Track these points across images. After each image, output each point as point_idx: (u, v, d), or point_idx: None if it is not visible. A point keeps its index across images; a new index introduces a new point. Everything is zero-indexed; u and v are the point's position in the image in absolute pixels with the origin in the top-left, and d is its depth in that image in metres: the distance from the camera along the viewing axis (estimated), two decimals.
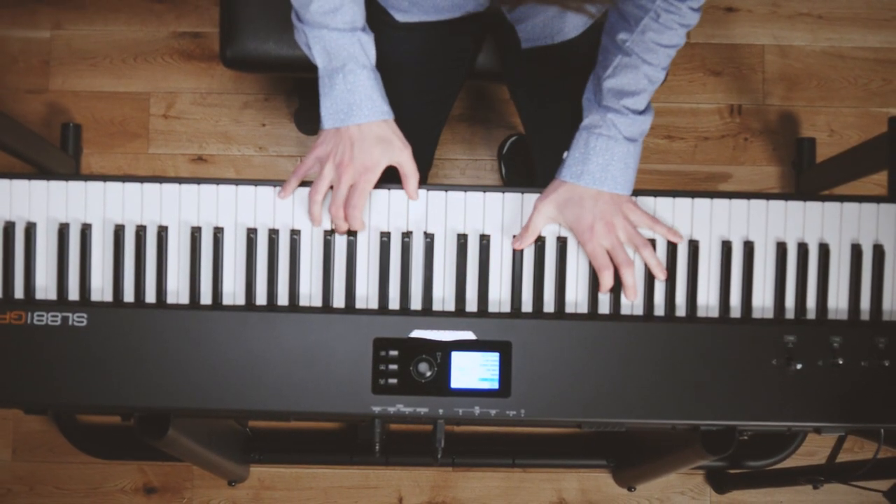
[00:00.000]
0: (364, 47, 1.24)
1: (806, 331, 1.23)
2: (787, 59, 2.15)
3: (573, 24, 1.39)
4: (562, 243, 1.24)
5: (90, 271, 1.24)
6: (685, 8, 1.21)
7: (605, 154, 1.24)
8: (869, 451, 1.38)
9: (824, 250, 1.26)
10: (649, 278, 1.25)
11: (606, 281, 1.24)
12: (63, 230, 1.24)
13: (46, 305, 1.22)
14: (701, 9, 1.23)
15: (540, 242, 1.25)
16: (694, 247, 1.25)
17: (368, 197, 1.24)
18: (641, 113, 1.25)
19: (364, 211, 1.24)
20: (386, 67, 1.29)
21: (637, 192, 1.26)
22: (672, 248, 1.25)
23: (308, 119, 2.10)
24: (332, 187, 1.24)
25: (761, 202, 1.26)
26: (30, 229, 1.24)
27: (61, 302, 1.23)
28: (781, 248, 1.26)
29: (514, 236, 1.25)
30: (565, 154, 1.27)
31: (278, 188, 1.25)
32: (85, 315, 1.22)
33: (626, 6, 1.25)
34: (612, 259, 1.24)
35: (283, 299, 1.24)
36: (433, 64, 1.44)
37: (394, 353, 1.22)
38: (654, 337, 1.23)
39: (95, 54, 2.10)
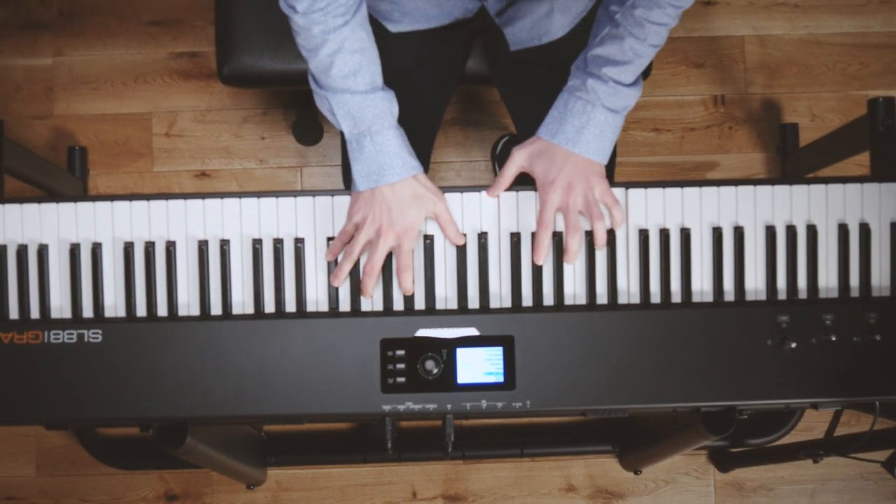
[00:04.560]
0: (389, 105, 1.24)
1: (798, 310, 1.24)
2: (766, 49, 2.16)
3: (559, 24, 1.40)
4: (558, 238, 1.26)
5: (102, 288, 1.25)
6: None
7: (580, 117, 1.25)
8: (865, 424, 1.39)
9: (812, 231, 1.27)
10: (645, 268, 1.25)
11: (542, 240, 1.24)
12: (74, 250, 1.25)
13: (62, 324, 1.23)
14: None
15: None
16: (686, 235, 1.26)
17: (413, 257, 1.25)
18: (627, 86, 1.25)
19: (414, 272, 1.25)
20: None
21: (628, 185, 1.27)
22: (665, 237, 1.26)
23: (306, 130, 2.10)
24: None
25: (749, 188, 1.27)
26: (42, 251, 1.25)
27: (76, 320, 1.24)
28: (771, 232, 1.27)
29: (489, 187, 1.27)
30: None
31: (281, 198, 1.26)
32: (100, 331, 1.23)
33: None
34: (564, 220, 1.25)
35: (290, 306, 1.25)
36: (425, 71, 1.46)
37: (400, 352, 1.23)
38: (651, 324, 1.23)
39: (97, 78, 2.11)
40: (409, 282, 1.24)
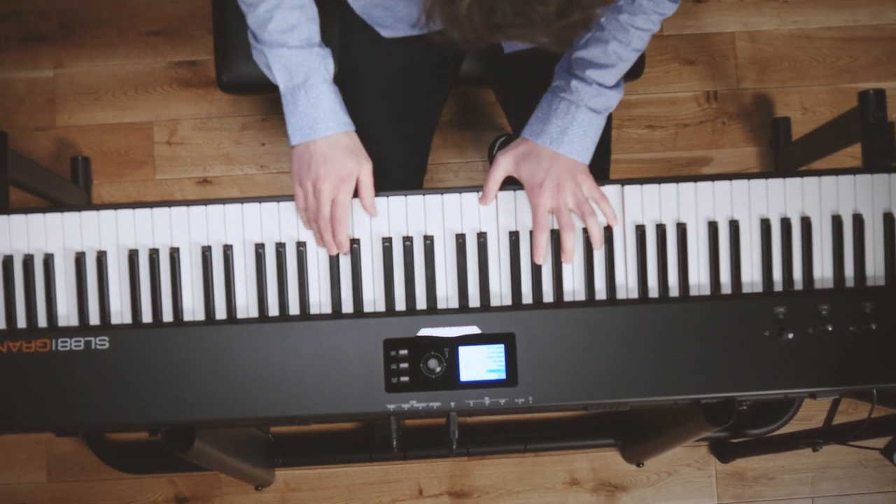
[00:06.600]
0: (324, 61, 1.25)
1: (795, 301, 1.25)
2: (757, 44, 2.17)
3: None
4: (556, 236, 1.26)
5: (108, 296, 1.26)
6: None
7: (564, 117, 1.26)
8: (863, 412, 1.40)
9: (806, 223, 1.27)
10: (642, 263, 1.26)
11: (540, 241, 1.25)
12: (80, 259, 1.26)
13: (69, 332, 1.24)
14: (678, 0, 1.25)
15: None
16: (682, 230, 1.27)
17: (350, 209, 1.25)
18: (610, 88, 1.27)
19: (348, 225, 1.25)
20: (376, 82, 1.31)
21: (623, 182, 1.28)
22: (661, 232, 1.27)
23: None
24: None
25: (743, 182, 1.28)
26: (48, 260, 1.26)
27: (83, 327, 1.25)
28: (766, 225, 1.27)
29: (481, 197, 1.28)
30: None
31: (282, 202, 1.27)
32: (106, 338, 1.24)
33: None
34: (558, 220, 1.26)
35: (294, 309, 1.26)
36: (421, 75, 1.46)
37: (403, 352, 1.24)
38: (650, 318, 1.24)
39: (98, 89, 2.12)
40: (344, 236, 1.24)
